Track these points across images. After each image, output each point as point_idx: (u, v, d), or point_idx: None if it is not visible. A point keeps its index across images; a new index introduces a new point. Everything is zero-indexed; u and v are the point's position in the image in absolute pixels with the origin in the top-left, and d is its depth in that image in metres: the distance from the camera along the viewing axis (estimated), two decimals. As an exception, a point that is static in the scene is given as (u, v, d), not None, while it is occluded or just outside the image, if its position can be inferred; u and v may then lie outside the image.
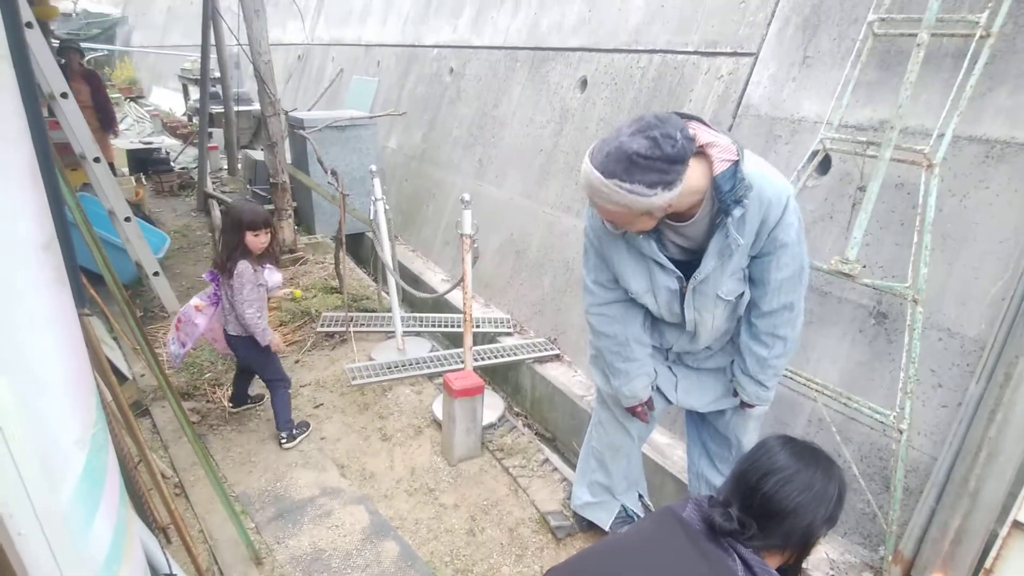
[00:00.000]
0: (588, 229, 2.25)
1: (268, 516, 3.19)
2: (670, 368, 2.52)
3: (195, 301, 3.63)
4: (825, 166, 2.96)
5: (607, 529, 2.89)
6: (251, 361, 3.72)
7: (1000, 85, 2.49)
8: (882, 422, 2.41)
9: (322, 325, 4.91)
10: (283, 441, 3.70)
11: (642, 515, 2.87)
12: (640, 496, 2.94)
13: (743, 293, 2.16)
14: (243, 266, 3.35)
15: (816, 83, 3.11)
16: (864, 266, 2.63)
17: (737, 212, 1.89)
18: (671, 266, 2.09)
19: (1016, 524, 2.12)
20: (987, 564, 2.15)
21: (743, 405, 2.40)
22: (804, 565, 1.63)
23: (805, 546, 1.53)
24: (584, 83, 4.74)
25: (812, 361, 2.83)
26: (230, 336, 3.57)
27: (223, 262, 3.39)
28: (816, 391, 2.64)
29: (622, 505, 2.86)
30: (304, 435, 3.78)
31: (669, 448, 3.30)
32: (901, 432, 2.35)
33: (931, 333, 2.49)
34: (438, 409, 3.80)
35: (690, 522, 1.55)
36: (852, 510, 2.59)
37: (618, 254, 2.16)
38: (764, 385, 2.28)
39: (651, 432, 2.79)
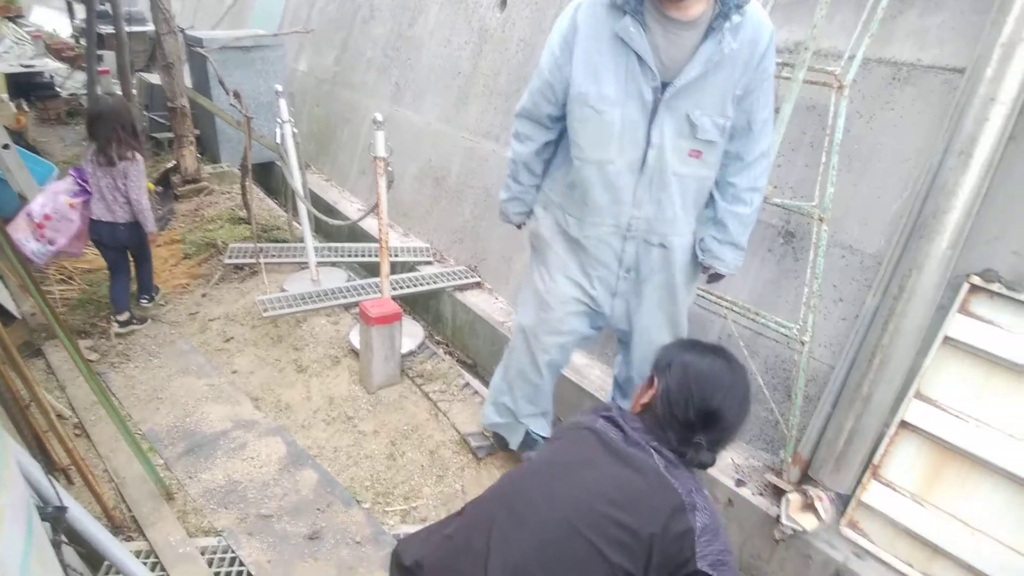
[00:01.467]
0: (567, 31, 2.14)
1: (178, 452, 3.07)
2: (615, 289, 2.46)
3: (64, 198, 3.71)
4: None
5: (515, 450, 2.95)
6: (134, 243, 3.96)
7: (910, 7, 2.55)
8: (786, 335, 2.53)
9: (230, 257, 4.67)
10: (144, 301, 4.25)
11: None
12: (550, 422, 2.98)
13: (715, 144, 2.15)
14: (139, 156, 3.73)
15: (735, 4, 3.08)
16: (775, 187, 2.70)
17: (736, 18, 1.96)
18: (652, 64, 2.02)
19: (902, 424, 2.30)
20: (875, 460, 2.33)
21: (712, 279, 2.50)
22: (711, 472, 1.70)
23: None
24: (503, 1, 4.55)
25: (724, 280, 2.91)
26: (109, 224, 3.77)
27: (111, 154, 3.64)
28: (727, 308, 2.73)
29: (527, 430, 2.89)
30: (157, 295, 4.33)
31: (587, 368, 3.36)
32: (803, 344, 2.46)
33: (834, 251, 2.60)
34: (355, 338, 3.72)
35: (604, 432, 1.57)
36: (756, 418, 2.74)
37: (599, 51, 2.08)
38: (742, 247, 2.36)
39: (564, 362, 2.77)
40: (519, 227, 2.72)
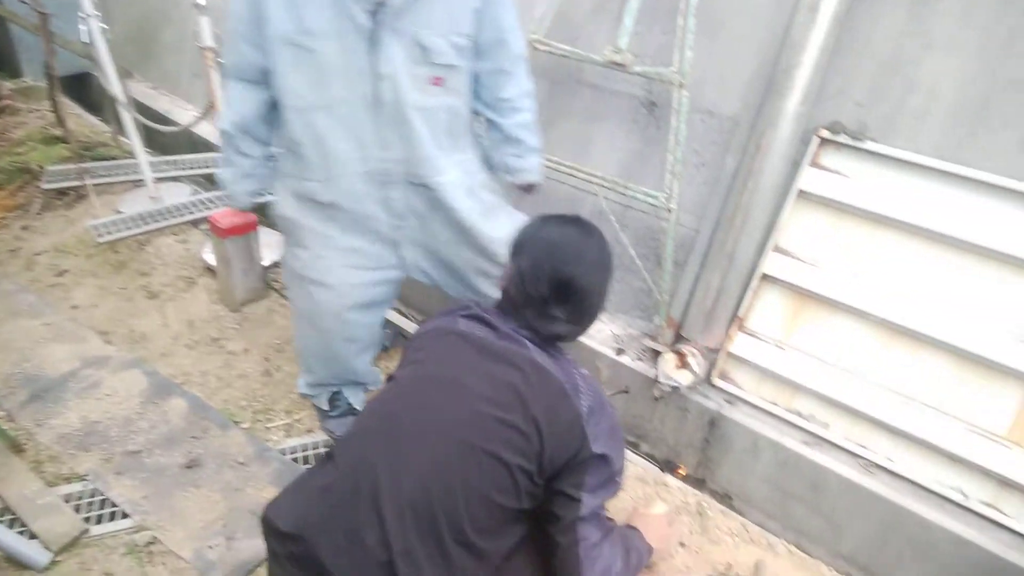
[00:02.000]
0: None
1: (21, 400, 2.73)
2: (395, 239, 2.22)
3: None
4: (596, -47, 2.85)
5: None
6: None
7: None
8: (654, 205, 2.56)
9: (49, 181, 4.08)
10: None
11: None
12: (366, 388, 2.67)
13: (456, 68, 1.98)
14: None
15: None
16: (635, 56, 2.65)
17: None
18: None
19: (763, 276, 2.43)
20: (740, 313, 2.46)
21: (526, 190, 2.45)
22: (592, 345, 1.69)
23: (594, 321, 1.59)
24: None
25: (592, 156, 2.89)
26: None
27: None
28: (596, 184, 2.72)
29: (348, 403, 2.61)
30: None
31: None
32: (670, 211, 2.51)
33: (695, 116, 2.62)
34: (209, 256, 3.41)
35: (470, 333, 1.49)
36: (631, 289, 2.81)
37: None
38: (540, 150, 2.35)
39: (375, 334, 2.45)
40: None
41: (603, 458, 1.41)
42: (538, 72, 3.01)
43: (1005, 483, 2.11)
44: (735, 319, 2.48)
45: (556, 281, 1.46)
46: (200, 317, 3.22)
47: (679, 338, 2.59)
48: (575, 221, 1.58)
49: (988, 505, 2.13)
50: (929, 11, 2.20)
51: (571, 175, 2.78)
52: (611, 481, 1.48)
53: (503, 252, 2.16)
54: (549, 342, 1.48)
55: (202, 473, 2.48)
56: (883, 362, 2.28)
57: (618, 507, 2.27)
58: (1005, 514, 2.11)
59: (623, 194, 2.66)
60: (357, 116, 1.93)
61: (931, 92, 2.21)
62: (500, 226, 2.24)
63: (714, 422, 2.45)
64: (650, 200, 2.56)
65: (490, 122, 2.24)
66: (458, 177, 2.16)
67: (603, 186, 2.70)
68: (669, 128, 2.53)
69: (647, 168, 2.77)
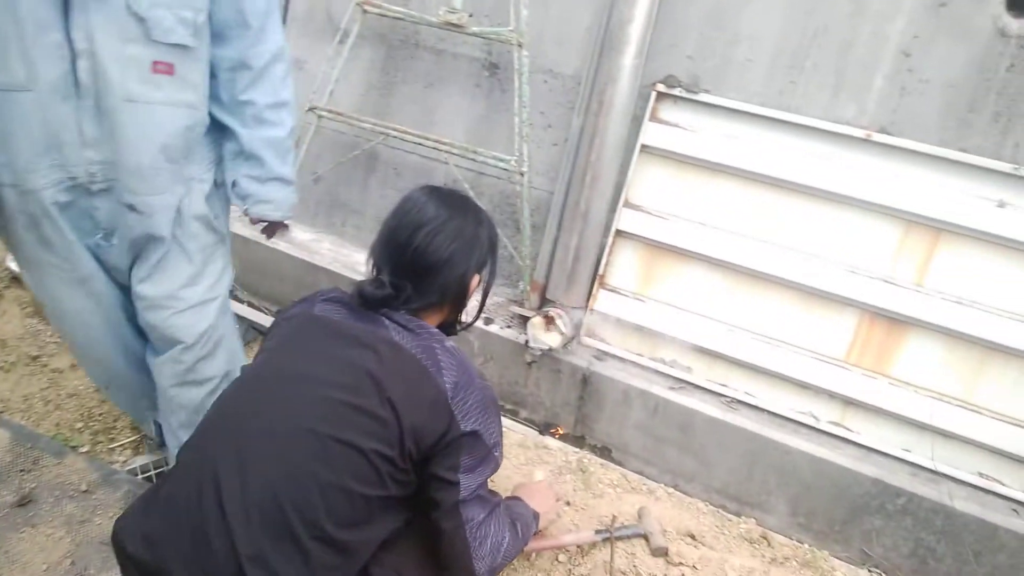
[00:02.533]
0: None
1: None
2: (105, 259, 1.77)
3: None
4: (420, -94, 2.70)
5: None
6: None
7: None
8: (506, 169, 2.53)
9: None
10: None
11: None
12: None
13: (189, 51, 1.58)
14: None
15: None
16: (471, 15, 2.56)
17: None
18: None
19: (617, 232, 2.48)
20: (600, 271, 2.51)
21: (268, 231, 2.01)
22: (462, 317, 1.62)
23: (462, 295, 1.51)
24: None
25: (438, 123, 2.80)
26: None
27: None
28: (446, 152, 2.63)
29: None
30: None
31: (315, 243, 3.11)
32: (522, 175, 2.49)
33: (537, 76, 2.59)
34: (14, 262, 2.97)
35: (326, 316, 1.39)
36: (493, 258, 2.78)
37: None
38: (290, 180, 1.88)
39: (144, 346, 1.98)
40: None
41: (475, 435, 1.36)
42: (373, 37, 2.86)
43: (849, 402, 2.32)
44: (596, 277, 2.53)
45: (395, 245, 1.39)
46: (13, 334, 2.81)
47: (545, 301, 2.60)
48: (440, 191, 1.49)
49: (836, 424, 2.35)
50: (746, -37, 2.29)
51: (418, 144, 2.67)
52: (489, 457, 1.44)
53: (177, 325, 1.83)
54: (412, 319, 1.40)
55: (38, 509, 2.18)
56: (734, 304, 2.42)
57: (502, 476, 2.28)
58: (851, 430, 2.33)
59: (474, 160, 2.60)
60: (48, 104, 1.47)
61: (752, 42, 2.32)
62: (193, 285, 1.81)
63: (586, 379, 2.50)
64: (501, 165, 2.52)
65: (227, 130, 1.78)
66: (174, 202, 1.71)
67: (452, 153, 2.62)
68: (513, 90, 2.48)
69: (496, 132, 2.71)
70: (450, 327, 1.57)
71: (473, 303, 1.60)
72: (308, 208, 3.12)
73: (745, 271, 2.37)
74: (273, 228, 1.99)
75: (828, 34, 2.24)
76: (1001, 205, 2.12)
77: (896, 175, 2.19)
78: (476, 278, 1.50)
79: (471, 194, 2.67)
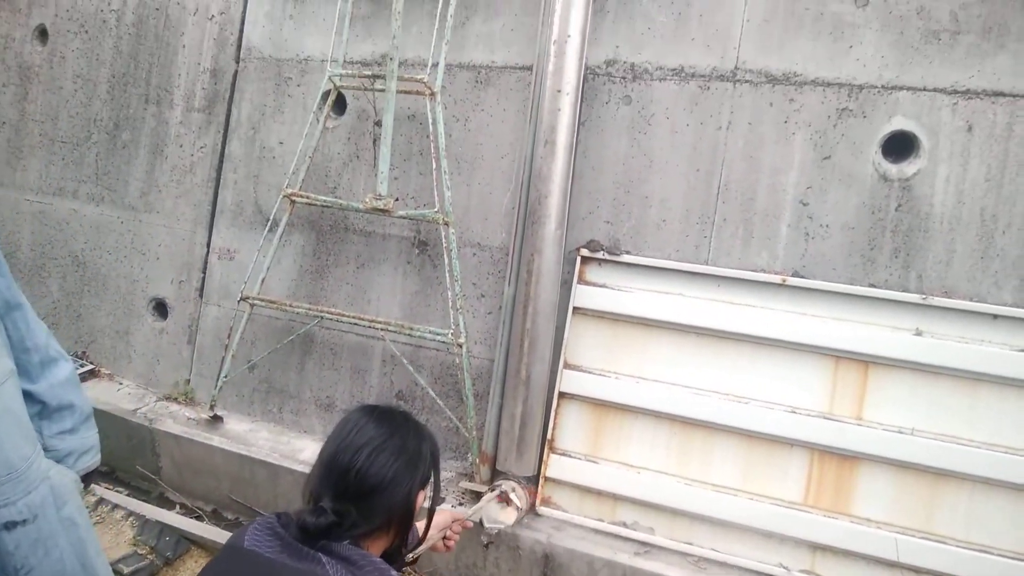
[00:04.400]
0: None
1: None
2: None
3: None
4: (341, 105, 2.89)
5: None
6: None
7: (475, 14, 2.71)
8: (444, 342, 2.53)
9: None
10: None
11: None
12: None
13: None
14: None
15: (315, 18, 2.97)
16: (397, 199, 2.67)
17: None
18: None
19: (561, 395, 2.46)
20: (549, 436, 2.46)
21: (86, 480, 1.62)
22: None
23: (408, 516, 1.42)
24: (44, 33, 3.75)
25: (373, 302, 2.81)
26: None
27: None
28: (382, 330, 2.63)
29: None
30: None
31: (250, 433, 2.97)
32: (461, 346, 2.49)
33: (466, 250, 2.68)
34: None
35: (258, 551, 1.27)
36: (439, 429, 2.71)
37: None
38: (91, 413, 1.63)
39: None
40: None
41: None
42: (303, 224, 2.93)
43: (816, 547, 2.26)
44: (545, 442, 2.47)
45: (337, 470, 1.31)
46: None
47: (496, 472, 2.52)
48: (378, 409, 1.45)
49: (808, 572, 2.26)
50: (644, 136, 2.49)
51: (354, 323, 2.67)
52: None
53: None
54: (355, 550, 1.30)
55: None
56: (686, 456, 2.39)
57: None
58: (822, 576, 2.26)
59: (410, 335, 2.60)
60: None
61: (663, 204, 2.47)
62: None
63: (548, 557, 2.37)
64: (439, 338, 2.52)
65: None
66: None
67: (389, 331, 2.61)
68: (444, 265, 2.55)
69: (431, 305, 2.74)
70: (396, 553, 1.47)
71: (419, 525, 1.52)
72: (243, 397, 3.02)
73: (691, 422, 2.37)
74: (90, 478, 1.64)
75: (730, 190, 2.42)
76: (918, 333, 2.22)
77: (816, 315, 2.29)
78: (421, 495, 1.42)
79: (410, 368, 2.64)
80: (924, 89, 2.27)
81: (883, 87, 2.30)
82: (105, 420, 3.19)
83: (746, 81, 2.41)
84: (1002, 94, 2.22)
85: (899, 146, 2.31)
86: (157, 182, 3.33)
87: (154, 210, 3.34)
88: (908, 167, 2.30)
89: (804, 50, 2.37)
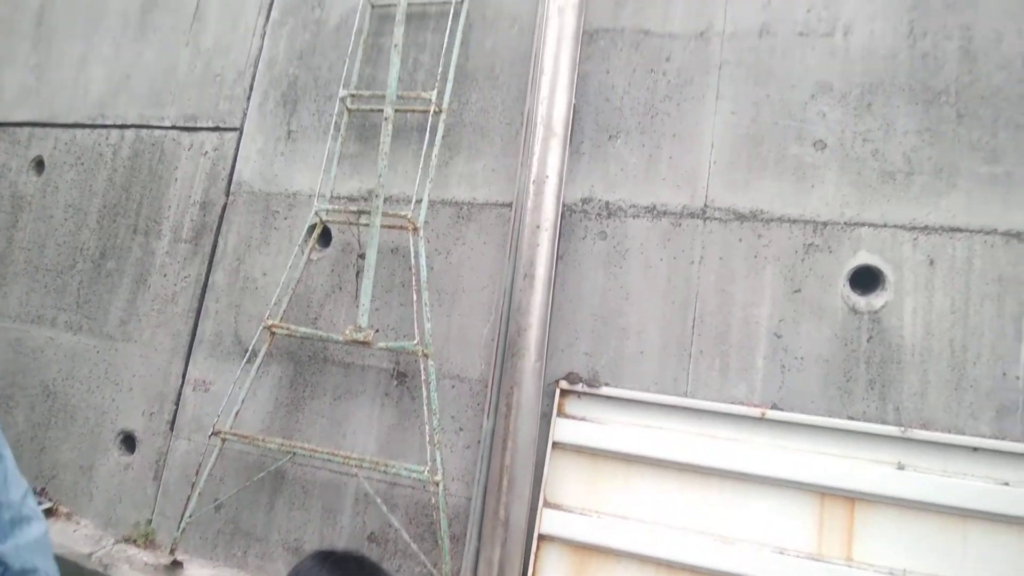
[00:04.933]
0: None
1: None
2: None
3: None
4: (326, 238, 2.96)
5: None
6: None
7: (458, 155, 2.85)
8: (419, 479, 2.45)
9: None
10: None
11: None
12: None
13: None
14: None
15: (305, 157, 3.11)
16: (377, 330, 2.68)
17: None
18: None
19: (541, 537, 2.36)
20: (528, 583, 2.33)
21: None
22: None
23: None
24: (40, 164, 3.89)
25: (349, 436, 2.75)
26: None
27: None
28: (356, 466, 2.55)
29: None
30: None
31: (216, 578, 2.78)
32: (437, 484, 2.41)
33: (445, 382, 2.65)
34: None
35: None
36: (412, 574, 2.56)
37: None
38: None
39: None
40: None
41: None
42: (282, 355, 2.91)
43: None
44: (524, 587, 2.34)
45: None
46: None
47: (472, 621, 2.36)
48: (334, 556, 1.37)
49: None
50: (620, 270, 2.56)
51: (328, 460, 2.59)
52: None
53: None
54: None
55: None
56: (671, 600, 2.27)
57: None
58: None
59: (385, 472, 2.52)
60: None
61: (640, 336, 2.50)
62: None
63: None
64: (415, 475, 2.45)
65: None
66: None
67: (362, 467, 2.54)
68: (422, 397, 2.52)
69: (408, 439, 2.68)
70: None
71: None
72: (207, 540, 2.86)
73: (677, 565, 2.26)
74: None
75: (705, 323, 2.46)
76: (901, 467, 2.19)
77: (798, 448, 2.26)
78: None
79: (383, 508, 2.54)
80: (885, 225, 2.38)
81: (846, 223, 2.41)
82: (58, 565, 3.00)
83: (715, 218, 2.51)
84: (959, 229, 2.32)
85: (866, 279, 2.39)
86: (138, 311, 3.33)
87: (132, 339, 3.31)
88: (876, 299, 2.36)
89: (769, 189, 2.49)
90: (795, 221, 2.45)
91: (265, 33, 3.32)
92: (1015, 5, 2.38)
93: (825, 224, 2.42)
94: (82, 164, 3.73)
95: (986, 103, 2.36)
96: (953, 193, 2.34)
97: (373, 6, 3.04)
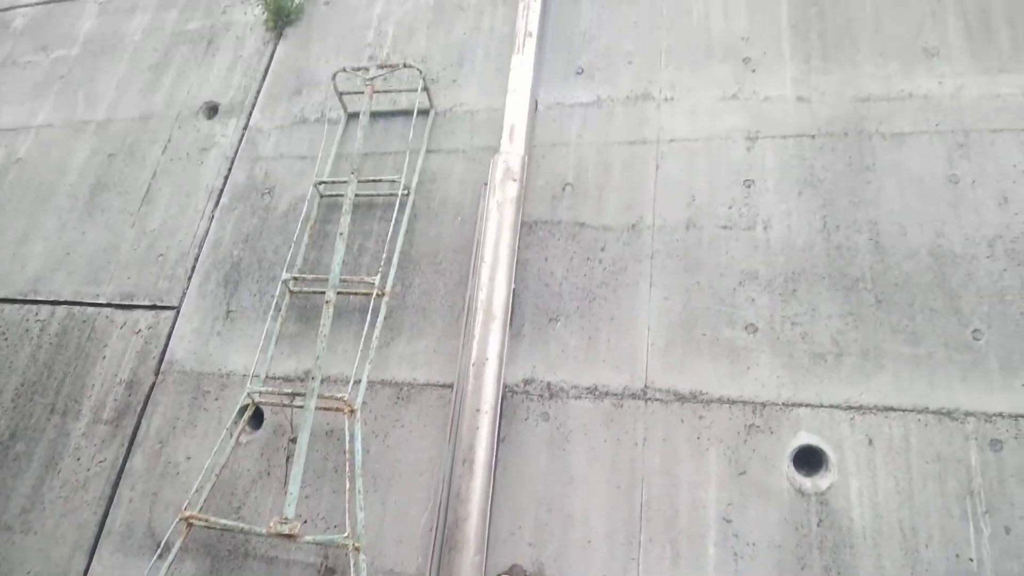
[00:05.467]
0: None
1: None
2: None
3: None
4: (258, 420, 2.83)
5: None
6: None
7: (399, 335, 2.86)
8: None
9: None
10: None
11: None
12: None
13: None
14: None
15: (242, 336, 3.06)
16: (305, 521, 2.49)
17: None
18: None
19: None
20: None
21: None
22: None
23: None
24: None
25: (266, 647, 2.44)
26: None
27: None
28: None
29: None
30: None
31: None
32: None
33: (376, 578, 2.44)
34: None
35: None
36: None
37: None
38: None
39: None
40: None
41: None
42: (198, 549, 2.66)
43: None
44: None
45: None
46: None
47: None
48: None
49: None
50: (563, 452, 2.50)
51: None
52: None
53: None
54: None
55: None
56: None
57: None
58: None
59: None
60: None
61: (586, 523, 2.38)
62: None
63: None
64: None
65: None
66: None
67: None
68: (351, 599, 2.28)
69: (333, 648, 2.40)
70: None
71: None
72: None
73: None
74: None
75: (653, 508, 2.37)
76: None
77: (759, 651, 2.10)
78: None
79: None
80: (821, 405, 2.42)
81: (784, 404, 2.45)
82: None
83: (657, 399, 2.52)
84: (892, 409, 2.38)
85: (809, 460, 2.38)
86: (43, 499, 3.03)
87: (32, 531, 2.98)
88: (821, 481, 2.34)
89: (707, 371, 2.54)
90: (735, 402, 2.47)
91: (214, 216, 3.41)
92: (914, 203, 2.65)
93: (764, 405, 2.45)
94: (5, 339, 3.58)
95: (900, 289, 2.53)
96: (882, 373, 2.43)
97: (322, 195, 3.18)
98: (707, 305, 2.63)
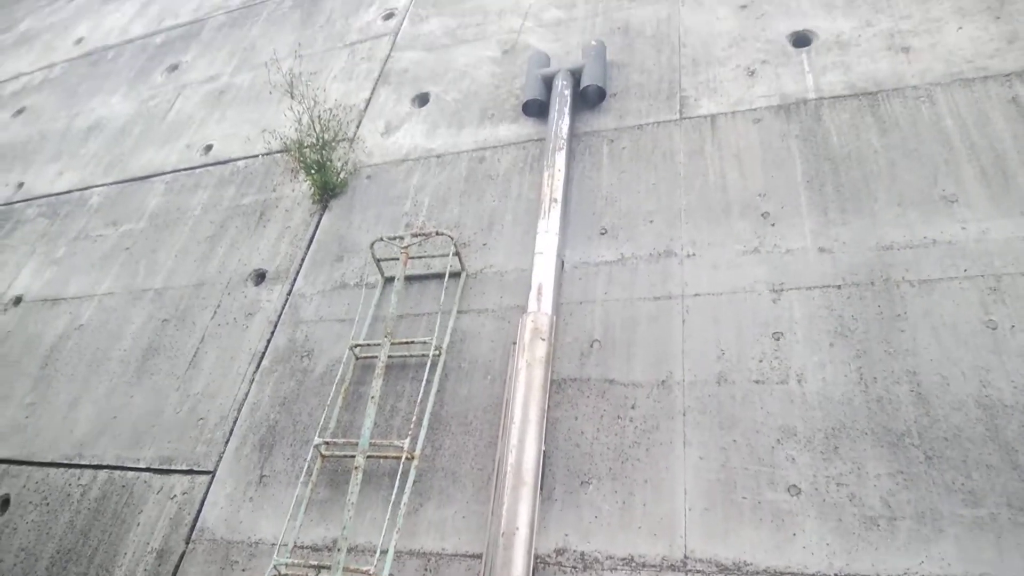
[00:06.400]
0: None
1: None
2: None
3: None
4: (284, 592, 2.74)
5: None
6: None
7: (428, 501, 2.79)
8: None
9: None
10: None
11: None
12: None
13: None
14: None
15: (273, 502, 3.04)
16: None
17: None
18: None
19: None
20: None
21: None
22: None
23: None
24: (6, 502, 3.77)
25: None
26: None
27: None
28: None
29: None
30: None
31: None
32: None
33: None
34: None
35: None
36: None
37: None
38: None
39: None
40: None
41: None
42: None
43: None
44: None
45: None
46: None
47: None
48: None
49: None
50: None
51: None
52: None
53: None
54: None
55: None
56: None
57: None
58: None
59: None
60: None
61: None
62: None
63: None
64: None
65: None
66: None
67: None
68: None
69: None
70: None
71: None
72: None
73: None
74: None
75: None
76: None
77: None
78: None
79: None
80: (879, 577, 2.23)
81: (836, 575, 2.26)
82: None
83: (698, 571, 2.36)
84: (960, 579, 2.17)
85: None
86: None
87: None
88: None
89: (750, 538, 2.39)
90: (782, 574, 2.30)
91: (254, 379, 3.51)
92: (953, 351, 2.56)
93: (815, 576, 2.27)
94: (47, 504, 3.63)
95: (951, 444, 2.39)
96: (942, 539, 2.24)
97: (357, 357, 3.27)
98: (745, 465, 2.53)
